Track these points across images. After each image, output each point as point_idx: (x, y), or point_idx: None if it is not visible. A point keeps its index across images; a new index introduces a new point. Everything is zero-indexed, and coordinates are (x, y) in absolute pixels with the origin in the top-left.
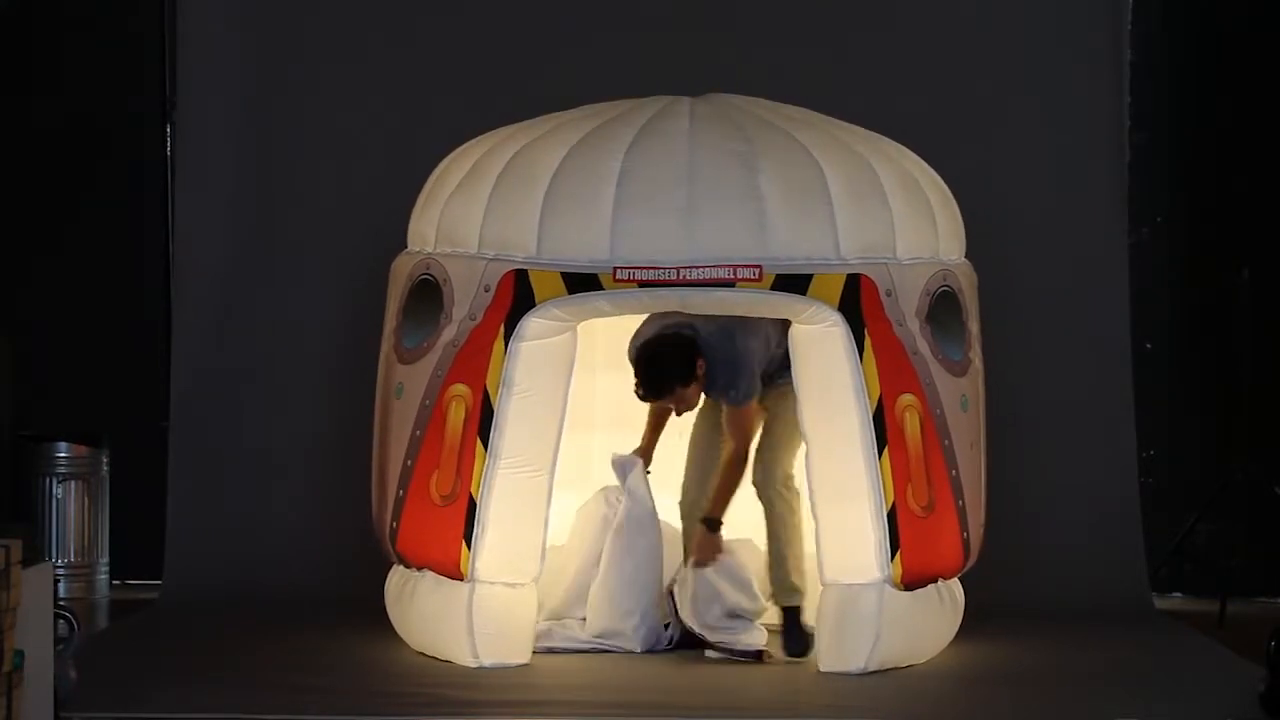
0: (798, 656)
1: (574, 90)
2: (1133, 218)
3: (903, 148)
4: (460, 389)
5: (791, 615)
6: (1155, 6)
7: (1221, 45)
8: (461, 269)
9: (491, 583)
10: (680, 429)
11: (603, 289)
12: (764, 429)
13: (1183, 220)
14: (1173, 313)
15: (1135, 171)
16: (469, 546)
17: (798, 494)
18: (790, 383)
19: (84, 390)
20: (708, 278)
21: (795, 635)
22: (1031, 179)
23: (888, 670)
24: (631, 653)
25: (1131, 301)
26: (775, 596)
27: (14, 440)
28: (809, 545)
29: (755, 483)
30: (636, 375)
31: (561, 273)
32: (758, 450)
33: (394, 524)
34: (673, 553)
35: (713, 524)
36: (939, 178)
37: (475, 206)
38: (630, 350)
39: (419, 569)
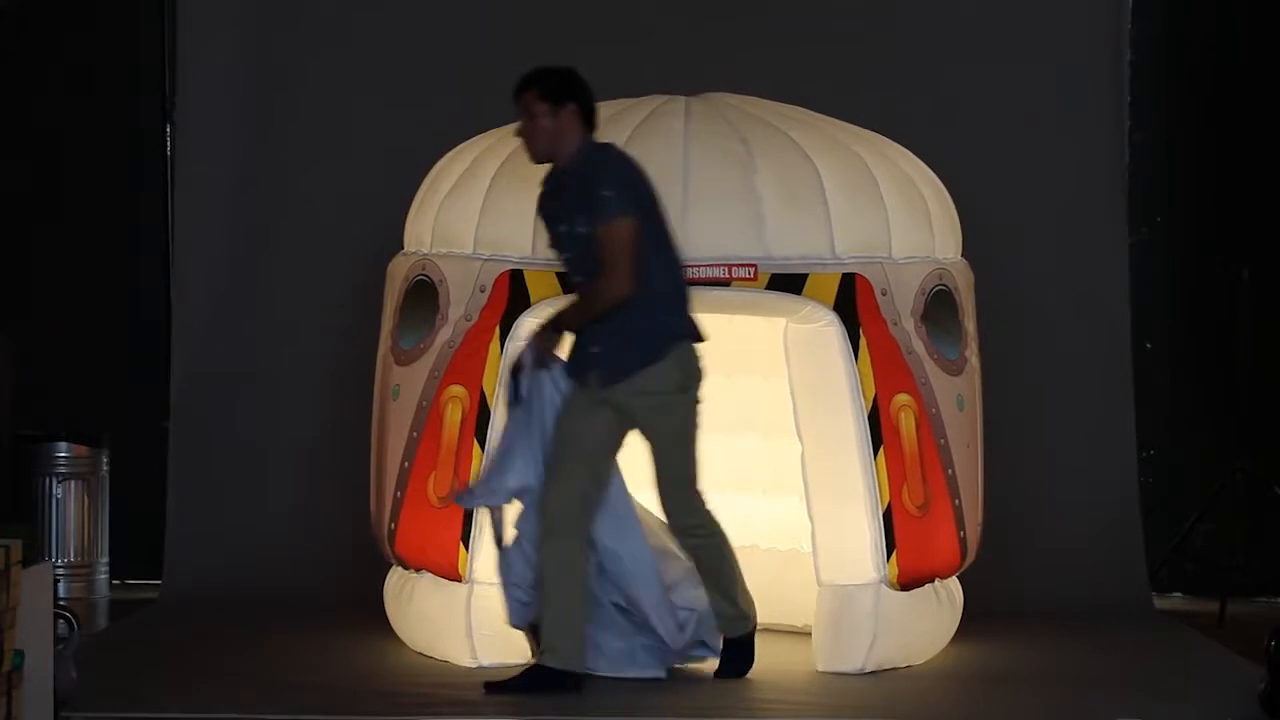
0: (737, 677)
1: None
2: (1133, 218)
3: (899, 147)
4: (457, 390)
5: (747, 639)
6: (1155, 6)
7: (1222, 45)
8: (457, 269)
9: (490, 584)
10: None
11: None
12: (656, 466)
13: (1183, 220)
14: (1173, 313)
15: (1135, 171)
16: (467, 548)
17: (718, 525)
18: (675, 392)
19: (84, 390)
20: (702, 276)
21: (742, 657)
22: (1031, 179)
23: (886, 670)
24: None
25: (1131, 301)
26: (728, 627)
27: (14, 440)
28: (804, 545)
29: (675, 538)
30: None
31: (557, 272)
32: (659, 496)
33: (392, 525)
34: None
35: (553, 326)
36: (935, 177)
37: (470, 207)
38: None
39: (417, 570)
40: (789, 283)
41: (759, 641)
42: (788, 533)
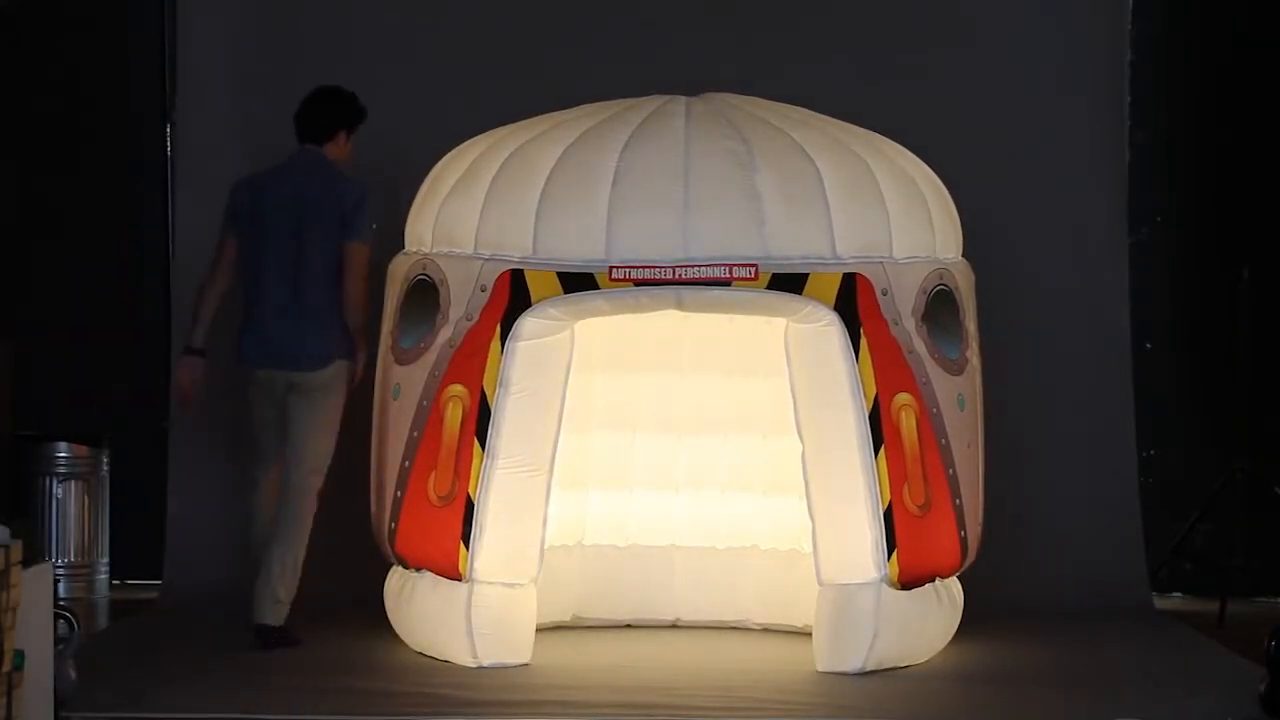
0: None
1: (573, 90)
2: (1133, 218)
3: (899, 147)
4: (457, 389)
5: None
6: (1155, 6)
7: (1222, 44)
8: (458, 269)
9: (490, 583)
10: (670, 416)
11: (599, 288)
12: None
13: (1183, 220)
14: (1173, 313)
15: (1135, 171)
16: (467, 547)
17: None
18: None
19: (84, 390)
20: (703, 276)
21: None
22: (1031, 179)
23: (886, 670)
24: None
25: (1131, 301)
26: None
27: (14, 440)
28: (804, 545)
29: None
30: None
31: (557, 272)
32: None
33: (392, 525)
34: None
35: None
36: (936, 177)
37: (471, 207)
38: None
39: (418, 569)
40: (790, 282)
41: (762, 641)
42: (788, 533)
